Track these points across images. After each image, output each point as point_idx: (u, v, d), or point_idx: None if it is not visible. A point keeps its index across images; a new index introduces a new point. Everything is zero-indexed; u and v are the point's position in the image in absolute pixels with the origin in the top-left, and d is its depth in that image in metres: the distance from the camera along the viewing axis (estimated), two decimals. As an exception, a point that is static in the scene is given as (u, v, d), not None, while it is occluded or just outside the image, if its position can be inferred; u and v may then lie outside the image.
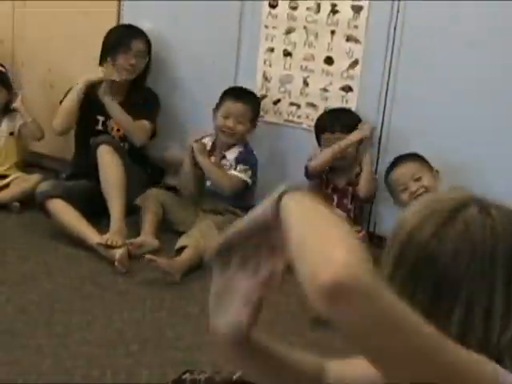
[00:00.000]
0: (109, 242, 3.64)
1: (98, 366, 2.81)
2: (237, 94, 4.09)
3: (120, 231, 3.77)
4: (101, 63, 4.26)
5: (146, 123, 4.21)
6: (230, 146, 4.11)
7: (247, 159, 4.08)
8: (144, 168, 4.35)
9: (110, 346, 2.96)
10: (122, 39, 4.21)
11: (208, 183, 4.13)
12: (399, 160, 3.74)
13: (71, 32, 4.58)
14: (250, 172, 4.05)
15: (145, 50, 4.27)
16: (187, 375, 2.64)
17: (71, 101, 4.20)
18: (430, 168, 3.69)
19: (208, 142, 4.15)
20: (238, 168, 4.03)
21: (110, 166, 3.95)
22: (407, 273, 1.25)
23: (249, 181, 4.05)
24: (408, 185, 3.64)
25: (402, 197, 3.66)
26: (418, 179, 3.64)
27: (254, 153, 4.13)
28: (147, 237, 3.84)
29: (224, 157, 4.10)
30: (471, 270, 1.20)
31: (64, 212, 3.87)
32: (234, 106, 4.04)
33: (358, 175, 3.94)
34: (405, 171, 3.68)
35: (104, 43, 4.28)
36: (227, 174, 4.02)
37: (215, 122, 4.11)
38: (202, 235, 3.78)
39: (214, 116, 4.12)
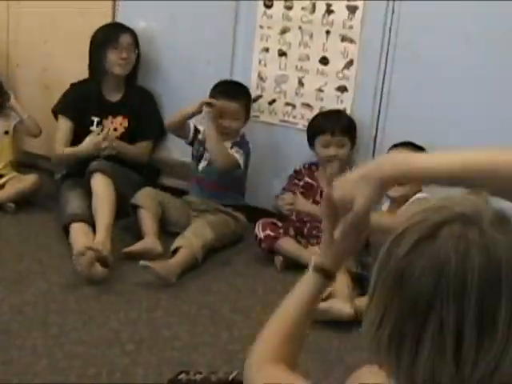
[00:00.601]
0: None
1: (94, 366, 2.81)
2: (229, 91, 4.07)
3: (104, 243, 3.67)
4: (90, 62, 4.29)
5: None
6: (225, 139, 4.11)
7: (242, 147, 4.09)
8: (140, 169, 4.35)
9: (105, 346, 2.96)
10: (109, 35, 4.22)
11: (200, 167, 4.15)
12: (394, 147, 3.64)
13: (66, 32, 4.58)
14: (243, 158, 4.07)
15: (133, 43, 4.28)
16: (183, 375, 2.65)
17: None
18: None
19: (203, 131, 4.14)
20: (233, 149, 4.04)
21: (102, 194, 3.90)
22: (381, 295, 1.23)
23: (241, 165, 4.06)
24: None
25: None
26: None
27: (250, 145, 4.15)
28: (151, 240, 3.79)
29: None
30: (440, 295, 1.16)
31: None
32: (228, 106, 4.03)
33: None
34: None
35: (93, 42, 4.28)
36: (227, 150, 4.02)
37: None
38: (195, 235, 3.79)
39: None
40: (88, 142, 4.15)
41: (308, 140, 3.97)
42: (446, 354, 1.16)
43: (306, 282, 1.60)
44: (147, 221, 3.92)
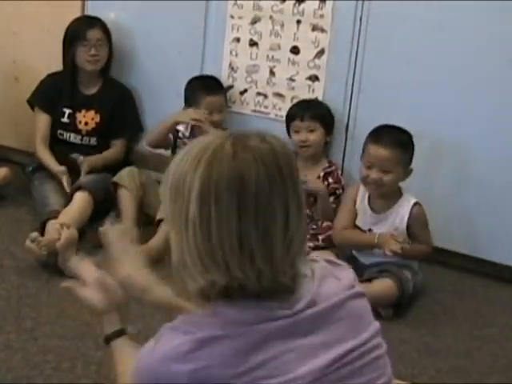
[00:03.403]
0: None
1: (68, 359, 2.80)
2: (210, 86, 4.09)
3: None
4: (64, 57, 4.23)
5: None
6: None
7: None
8: (116, 168, 4.31)
9: (79, 339, 2.95)
10: (77, 32, 4.18)
11: None
12: (388, 137, 3.48)
13: (35, 23, 4.55)
14: None
15: (103, 37, 4.23)
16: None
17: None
18: (408, 163, 3.48)
19: (184, 130, 4.12)
20: None
21: (78, 205, 3.87)
22: (221, 203, 1.39)
23: None
24: (373, 168, 3.45)
25: (362, 167, 3.52)
26: (386, 172, 3.43)
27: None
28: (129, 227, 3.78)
29: None
30: (273, 189, 1.41)
31: None
32: (214, 100, 4.06)
33: (326, 172, 3.94)
34: (382, 156, 3.43)
35: (64, 37, 4.24)
36: None
37: None
38: None
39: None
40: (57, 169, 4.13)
41: (286, 129, 3.99)
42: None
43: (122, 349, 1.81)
44: (127, 203, 3.93)
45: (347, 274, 1.60)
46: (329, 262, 1.61)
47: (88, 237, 3.75)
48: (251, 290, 1.42)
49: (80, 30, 4.17)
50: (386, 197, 3.53)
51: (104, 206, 3.99)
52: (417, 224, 3.50)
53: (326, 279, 1.53)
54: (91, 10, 4.40)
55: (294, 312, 1.44)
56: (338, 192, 3.88)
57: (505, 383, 2.97)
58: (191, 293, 1.47)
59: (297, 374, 1.40)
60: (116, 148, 4.33)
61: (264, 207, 1.39)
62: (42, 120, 4.28)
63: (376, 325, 1.59)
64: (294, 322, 1.43)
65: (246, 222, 1.39)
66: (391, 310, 3.37)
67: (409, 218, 3.49)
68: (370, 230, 3.55)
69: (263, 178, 1.39)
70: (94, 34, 4.18)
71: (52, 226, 3.58)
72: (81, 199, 3.87)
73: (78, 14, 4.39)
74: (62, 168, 4.07)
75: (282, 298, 1.44)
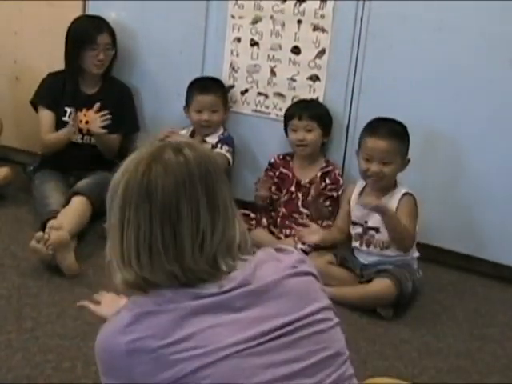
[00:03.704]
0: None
1: (69, 359, 2.81)
2: (203, 86, 4.12)
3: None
4: (66, 58, 4.23)
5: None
6: (209, 134, 4.15)
7: (229, 142, 4.13)
8: (110, 165, 4.31)
9: (80, 339, 2.95)
10: (87, 35, 4.14)
11: None
12: (384, 128, 3.50)
13: (36, 23, 4.55)
14: (232, 155, 4.11)
15: (111, 42, 4.23)
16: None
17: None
18: (405, 153, 3.51)
19: (186, 133, 4.17)
20: (223, 148, 4.07)
21: (76, 208, 3.87)
22: (135, 210, 1.61)
23: (231, 162, 4.10)
24: (372, 161, 3.46)
25: (361, 161, 3.53)
26: (386, 164, 3.45)
27: (232, 136, 4.19)
28: None
29: (204, 141, 4.12)
30: (180, 197, 1.59)
31: None
32: (204, 99, 4.08)
33: (323, 172, 3.95)
34: (381, 147, 3.45)
35: (69, 38, 4.22)
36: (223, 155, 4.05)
37: (189, 118, 4.16)
38: None
39: (186, 113, 4.17)
40: (69, 126, 4.14)
41: (284, 128, 4.01)
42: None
43: None
44: None
45: (290, 256, 1.73)
46: (276, 249, 1.76)
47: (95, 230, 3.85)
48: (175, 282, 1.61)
49: (89, 33, 4.14)
50: (383, 189, 3.52)
51: (103, 206, 3.99)
52: (402, 211, 3.48)
53: (266, 263, 1.68)
54: (92, 10, 4.40)
55: (222, 291, 1.59)
56: (334, 195, 3.90)
57: (505, 383, 2.97)
58: (119, 284, 1.72)
59: (222, 344, 1.53)
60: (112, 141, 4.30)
61: (170, 213, 1.59)
62: (47, 116, 4.26)
63: (324, 301, 1.71)
64: (223, 300, 1.58)
65: (155, 226, 1.59)
66: (391, 310, 3.38)
67: (397, 208, 3.49)
68: (365, 222, 3.55)
69: (169, 187, 1.60)
70: (103, 38, 4.17)
71: (49, 225, 3.57)
72: (79, 203, 3.87)
73: (78, 13, 4.38)
74: (69, 127, 4.13)
75: (210, 282, 1.61)
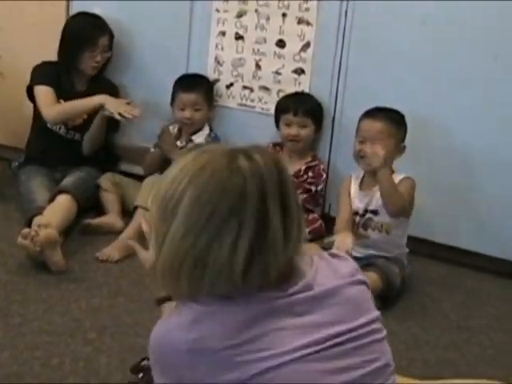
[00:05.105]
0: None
1: (57, 355, 2.80)
2: (187, 84, 4.13)
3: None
4: (62, 54, 4.19)
5: None
6: (195, 131, 4.16)
7: (215, 142, 4.13)
8: (97, 154, 4.31)
9: (67, 335, 2.94)
10: (88, 36, 4.12)
11: None
12: (381, 112, 3.53)
13: (21, 19, 4.53)
14: None
15: (109, 44, 4.23)
16: (145, 362, 2.64)
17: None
18: (400, 140, 3.50)
19: (173, 129, 4.18)
20: None
21: (62, 205, 3.86)
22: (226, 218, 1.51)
23: None
24: (366, 142, 3.46)
25: (356, 144, 3.53)
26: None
27: (218, 134, 4.20)
28: (113, 216, 4.01)
29: (191, 140, 4.13)
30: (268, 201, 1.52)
31: None
32: (187, 97, 4.09)
33: (308, 166, 3.96)
34: (375, 128, 3.46)
35: (67, 35, 4.18)
36: None
37: (173, 115, 4.18)
38: None
39: (172, 110, 4.19)
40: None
41: (275, 120, 4.01)
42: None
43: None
44: (109, 200, 4.08)
45: (347, 263, 1.74)
46: (331, 254, 1.75)
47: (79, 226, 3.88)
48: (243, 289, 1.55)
49: (91, 35, 4.12)
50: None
51: (88, 203, 4.04)
52: (400, 188, 3.44)
53: (324, 268, 1.67)
54: (76, 6, 4.38)
55: (287, 294, 1.56)
56: (313, 189, 3.91)
57: (492, 374, 2.98)
58: (181, 295, 1.61)
59: (287, 348, 1.51)
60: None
61: (262, 217, 1.52)
62: (45, 90, 4.15)
63: (376, 312, 1.71)
64: (288, 303, 1.56)
65: (244, 233, 1.51)
66: (377, 303, 3.37)
67: None
68: (365, 210, 3.54)
69: (256, 192, 1.52)
70: (103, 41, 4.17)
71: (36, 222, 3.57)
72: (64, 200, 3.86)
73: (63, 10, 4.36)
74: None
75: (275, 284, 1.57)
